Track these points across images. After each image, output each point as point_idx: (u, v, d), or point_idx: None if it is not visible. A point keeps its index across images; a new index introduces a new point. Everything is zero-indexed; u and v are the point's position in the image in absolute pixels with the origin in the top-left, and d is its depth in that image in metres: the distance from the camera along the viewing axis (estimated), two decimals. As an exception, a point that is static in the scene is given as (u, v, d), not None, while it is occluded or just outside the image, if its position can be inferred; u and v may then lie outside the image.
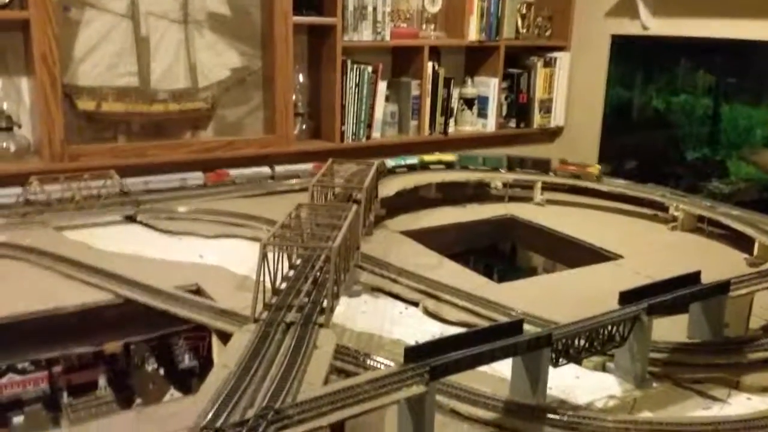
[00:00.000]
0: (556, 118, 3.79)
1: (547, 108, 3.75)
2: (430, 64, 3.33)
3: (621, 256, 2.43)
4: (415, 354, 1.28)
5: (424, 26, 3.44)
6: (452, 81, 3.48)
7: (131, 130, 2.88)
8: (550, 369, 1.46)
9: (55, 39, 2.52)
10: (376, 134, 3.30)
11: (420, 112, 3.39)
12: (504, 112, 3.70)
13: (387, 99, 3.34)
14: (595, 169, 2.85)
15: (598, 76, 3.53)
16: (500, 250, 3.12)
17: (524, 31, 3.66)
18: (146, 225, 2.47)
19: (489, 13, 3.45)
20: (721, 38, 2.93)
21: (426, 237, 2.58)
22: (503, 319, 1.78)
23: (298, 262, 1.80)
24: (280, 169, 2.96)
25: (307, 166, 2.99)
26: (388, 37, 3.20)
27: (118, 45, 2.73)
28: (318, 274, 1.72)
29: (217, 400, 1.19)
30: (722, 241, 2.61)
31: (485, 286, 2.11)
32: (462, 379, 1.42)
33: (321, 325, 1.49)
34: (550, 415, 1.39)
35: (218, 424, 1.12)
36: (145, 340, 2.07)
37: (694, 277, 1.70)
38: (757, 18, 2.81)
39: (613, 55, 3.47)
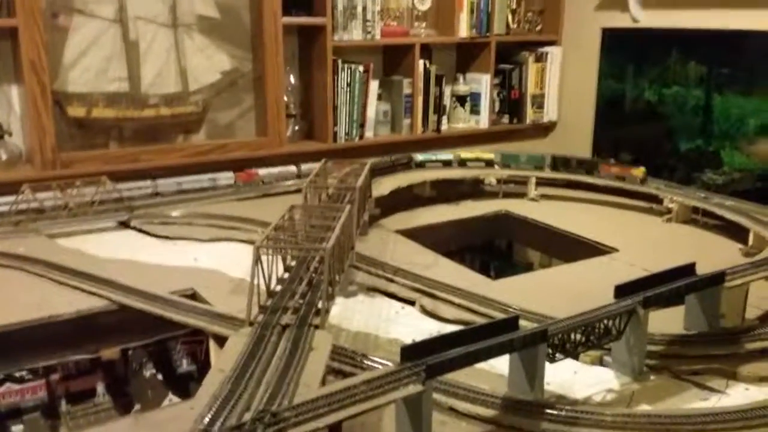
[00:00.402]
0: (549, 113, 3.79)
1: (539, 103, 3.75)
2: (421, 62, 3.33)
3: (616, 249, 2.43)
4: (411, 353, 1.28)
5: (414, 24, 3.43)
6: (444, 78, 3.48)
7: (123, 136, 2.88)
8: (548, 364, 1.46)
9: (43, 46, 2.51)
10: (369, 134, 3.30)
11: (412, 110, 3.39)
12: (496, 108, 3.69)
13: (379, 98, 3.34)
14: (640, 171, 2.75)
15: (589, 69, 3.53)
16: (496, 247, 3.12)
17: (515, 26, 3.66)
18: (140, 230, 2.47)
19: (479, 9, 3.45)
20: (711, 29, 2.94)
21: (421, 235, 2.58)
22: (500, 315, 1.78)
23: (293, 263, 1.80)
24: (304, 167, 2.97)
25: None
26: (378, 36, 3.20)
27: (107, 50, 2.73)
28: (313, 275, 1.71)
29: (214, 404, 1.19)
30: (717, 232, 2.61)
31: (481, 283, 2.11)
32: (460, 376, 1.42)
33: (316, 327, 1.49)
34: (548, 411, 1.40)
35: (215, 428, 1.12)
36: (142, 345, 2.06)
37: (689, 269, 1.70)
38: (746, 8, 2.82)
39: (605, 49, 3.47)
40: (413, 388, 1.23)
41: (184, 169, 2.83)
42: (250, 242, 2.21)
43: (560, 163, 3.01)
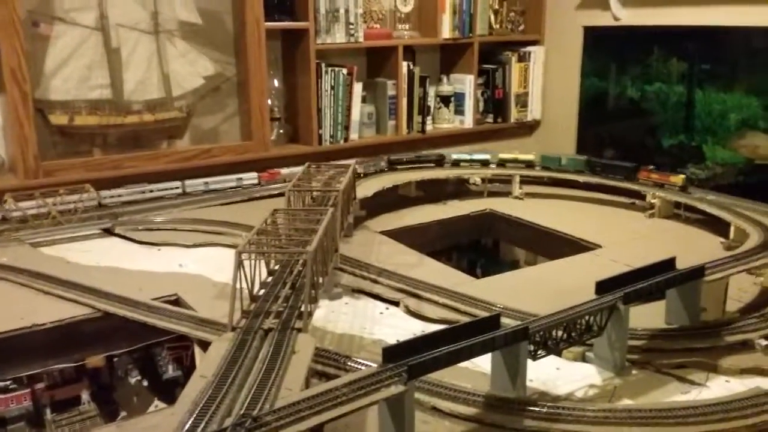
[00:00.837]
0: (533, 112, 3.81)
1: (523, 102, 3.77)
2: (405, 64, 3.34)
3: (599, 246, 2.45)
4: (393, 354, 1.29)
5: (397, 26, 3.44)
6: (428, 79, 3.49)
7: (107, 143, 2.87)
8: (532, 362, 1.47)
9: (24, 55, 2.50)
10: (354, 136, 3.30)
11: (397, 111, 3.40)
12: (481, 108, 3.71)
13: (363, 100, 3.35)
14: (679, 179, 2.67)
15: (572, 68, 3.55)
16: (482, 245, 3.13)
17: (497, 26, 3.68)
18: (124, 237, 2.46)
19: (461, 10, 3.46)
20: (692, 25, 2.96)
21: (407, 236, 2.59)
22: (484, 314, 1.78)
23: (277, 267, 1.80)
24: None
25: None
26: (361, 39, 3.21)
27: (88, 58, 2.72)
28: (296, 278, 1.71)
29: (195, 410, 1.19)
30: (699, 227, 2.63)
31: (465, 282, 2.12)
32: (444, 375, 1.42)
33: (299, 330, 1.48)
34: (530, 408, 1.40)
35: (196, 434, 1.12)
36: (127, 352, 2.06)
37: (669, 264, 1.72)
38: (726, 4, 2.84)
39: (587, 47, 3.49)
40: (395, 389, 1.24)
41: (169, 175, 2.82)
42: (235, 247, 2.21)
43: (598, 168, 2.92)
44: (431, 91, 3.56)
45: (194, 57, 2.93)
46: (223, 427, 1.12)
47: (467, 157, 3.07)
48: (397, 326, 1.84)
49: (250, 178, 2.95)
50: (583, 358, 1.66)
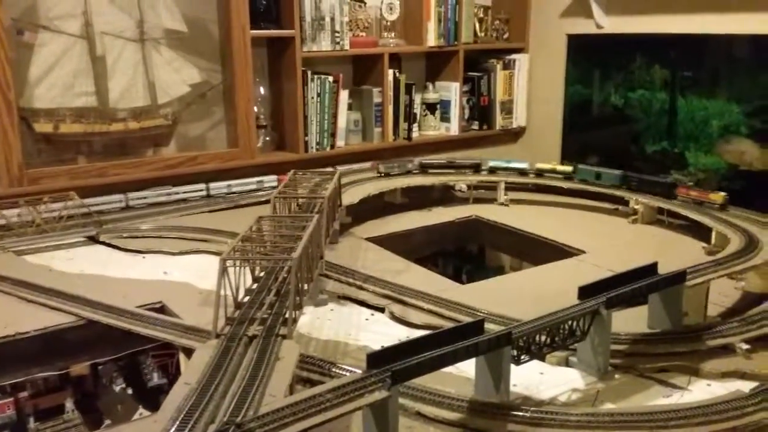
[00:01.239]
0: (518, 119, 3.84)
1: (508, 109, 3.79)
2: (390, 72, 3.36)
3: (583, 252, 2.47)
4: (377, 360, 1.29)
5: (383, 34, 3.46)
6: (414, 87, 3.51)
7: (92, 151, 2.86)
8: (515, 367, 1.48)
9: (8, 62, 2.50)
10: (340, 143, 3.31)
11: (383, 118, 3.41)
12: (466, 115, 3.73)
13: (349, 107, 3.36)
14: (719, 197, 2.57)
15: (556, 75, 3.58)
16: (468, 252, 3.14)
17: (482, 34, 3.71)
18: (109, 245, 2.45)
19: (446, 19, 3.49)
20: (674, 33, 3.00)
21: (393, 242, 2.60)
22: (468, 320, 1.79)
23: (262, 274, 1.80)
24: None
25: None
26: (347, 47, 3.22)
27: (73, 66, 2.71)
28: (281, 285, 1.72)
29: (178, 417, 1.19)
30: (681, 232, 2.66)
31: (451, 288, 2.13)
32: (428, 381, 1.43)
33: (284, 337, 1.49)
34: (514, 412, 1.41)
35: (179, 441, 1.12)
36: (112, 360, 2.05)
37: (651, 269, 1.73)
38: (707, 12, 2.88)
39: (571, 55, 3.52)
40: (379, 395, 1.24)
41: (154, 183, 2.82)
42: (220, 254, 2.21)
43: (634, 184, 2.84)
44: (417, 99, 3.58)
45: (180, 65, 2.93)
46: (207, 434, 1.12)
47: (504, 164, 3.05)
48: (382, 332, 1.84)
49: (270, 180, 3.02)
50: (567, 363, 1.67)
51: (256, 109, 3.11)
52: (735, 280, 2.08)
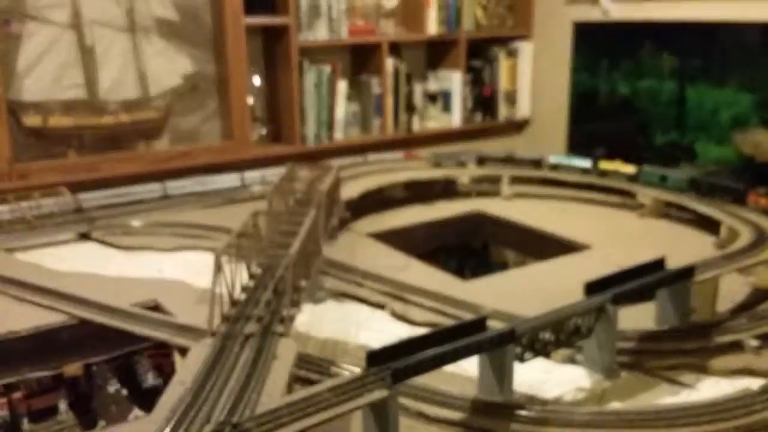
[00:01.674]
0: (522, 109, 3.78)
1: (512, 99, 3.74)
2: (390, 61, 3.30)
3: (589, 247, 2.42)
4: (377, 358, 1.27)
5: (382, 22, 3.40)
6: (414, 76, 3.45)
7: (82, 145, 2.81)
8: (520, 365, 1.45)
9: (-5, 55, 2.45)
10: (338, 135, 3.26)
11: (383, 110, 3.36)
12: (469, 106, 3.67)
13: (348, 98, 3.30)
14: None
15: (562, 64, 3.52)
16: (471, 247, 3.09)
17: (485, 21, 3.64)
18: (101, 242, 2.40)
19: (448, 5, 3.43)
20: (682, 20, 2.94)
21: (394, 238, 2.55)
22: (471, 317, 1.75)
23: (258, 271, 1.76)
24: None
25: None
26: (345, 35, 3.16)
27: (62, 57, 2.66)
28: (278, 282, 1.68)
29: (173, 417, 1.17)
30: (690, 226, 2.61)
31: (453, 285, 2.08)
32: (430, 380, 1.40)
33: (281, 335, 1.47)
34: (518, 412, 1.38)
35: (173, 443, 1.09)
36: (106, 360, 2.01)
37: (658, 264, 1.69)
38: (716, -1, 2.83)
39: (576, 43, 3.46)
40: (379, 394, 1.22)
41: (147, 177, 2.76)
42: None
43: (704, 188, 2.59)
44: (418, 89, 3.52)
45: (172, 55, 2.87)
46: (202, 435, 1.09)
47: (566, 162, 2.95)
48: (382, 330, 1.80)
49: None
50: (572, 361, 1.63)
51: (250, 100, 3.05)
52: (744, 276, 2.03)
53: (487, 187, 3.10)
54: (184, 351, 1.62)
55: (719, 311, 1.85)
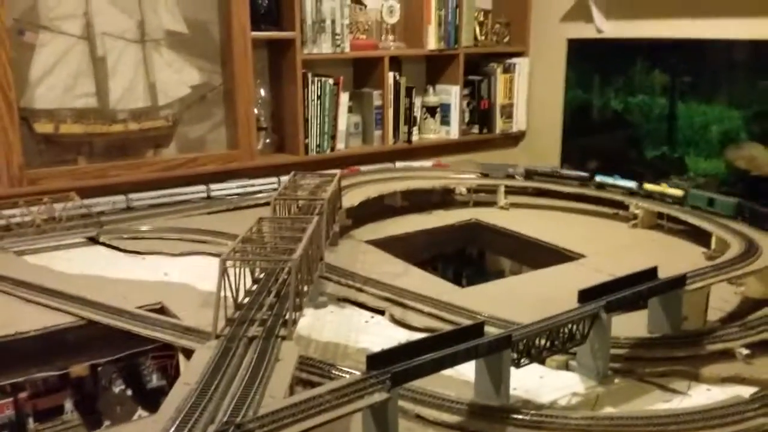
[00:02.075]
0: (518, 123, 3.84)
1: (508, 113, 3.80)
2: (391, 74, 3.36)
3: (583, 255, 2.46)
4: (377, 361, 1.29)
5: (383, 37, 3.47)
6: (414, 90, 3.51)
7: (92, 152, 2.86)
8: (515, 370, 1.48)
9: (9, 63, 2.50)
10: (340, 145, 3.31)
11: (383, 121, 3.42)
12: (466, 119, 3.74)
13: (350, 110, 3.36)
14: None
15: (556, 80, 3.59)
16: (468, 255, 3.14)
17: (482, 38, 3.72)
18: (109, 246, 2.45)
19: (447, 22, 3.50)
20: (673, 38, 3.01)
21: (393, 245, 2.59)
22: (468, 323, 1.79)
23: (262, 275, 1.80)
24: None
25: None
26: (347, 49, 3.22)
27: (74, 66, 2.71)
28: (281, 287, 1.72)
29: (177, 417, 1.19)
30: (681, 237, 2.66)
31: (450, 292, 2.12)
32: (428, 383, 1.43)
33: (284, 338, 1.49)
34: (514, 416, 1.41)
35: (178, 441, 1.12)
36: (112, 361, 2.04)
37: (651, 273, 1.74)
38: (707, 17, 2.89)
39: (571, 59, 3.53)
40: (378, 397, 1.24)
41: (155, 184, 2.81)
42: (221, 255, 2.21)
43: (750, 214, 2.49)
44: (417, 102, 3.58)
45: (180, 66, 2.93)
46: (207, 434, 1.12)
47: (611, 181, 2.93)
48: (382, 335, 1.84)
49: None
50: (567, 367, 1.67)
51: (256, 111, 3.11)
52: (735, 285, 2.08)
53: (484, 196, 3.15)
54: (189, 353, 1.66)
55: (710, 320, 1.89)
